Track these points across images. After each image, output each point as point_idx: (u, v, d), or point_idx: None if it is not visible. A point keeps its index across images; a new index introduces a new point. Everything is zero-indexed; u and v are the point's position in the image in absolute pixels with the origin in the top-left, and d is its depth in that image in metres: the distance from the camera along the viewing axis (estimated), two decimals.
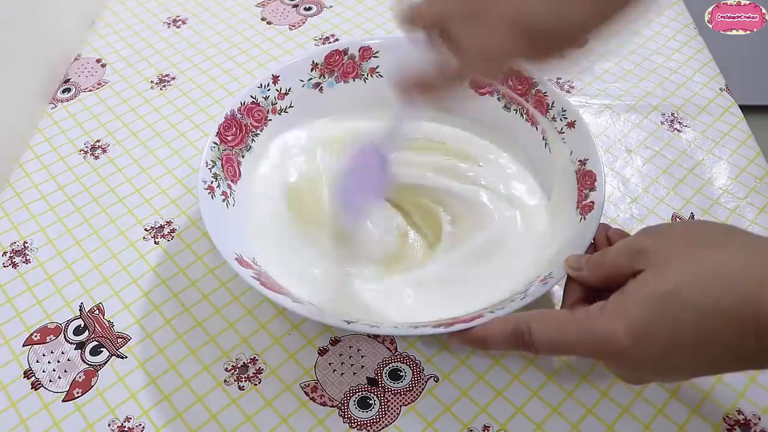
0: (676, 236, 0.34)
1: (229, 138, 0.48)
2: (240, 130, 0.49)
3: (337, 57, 0.53)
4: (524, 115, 0.51)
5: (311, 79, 0.53)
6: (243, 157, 0.49)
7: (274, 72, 0.51)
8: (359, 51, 0.54)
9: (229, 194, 0.46)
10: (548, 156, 0.49)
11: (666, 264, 0.32)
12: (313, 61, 0.53)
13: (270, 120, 0.52)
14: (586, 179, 0.45)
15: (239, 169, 0.49)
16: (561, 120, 0.48)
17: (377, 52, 0.54)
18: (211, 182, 0.45)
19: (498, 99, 0.53)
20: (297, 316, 0.45)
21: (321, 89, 0.54)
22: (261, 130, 0.51)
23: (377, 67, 0.54)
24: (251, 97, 0.50)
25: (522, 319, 0.36)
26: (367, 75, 0.54)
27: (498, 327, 0.37)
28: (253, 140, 0.50)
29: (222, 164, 0.47)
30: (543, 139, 0.50)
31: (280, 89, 0.52)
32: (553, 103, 0.49)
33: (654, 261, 0.33)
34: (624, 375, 0.35)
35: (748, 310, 0.29)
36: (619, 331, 0.32)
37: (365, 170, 0.44)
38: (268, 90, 0.51)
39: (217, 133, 0.47)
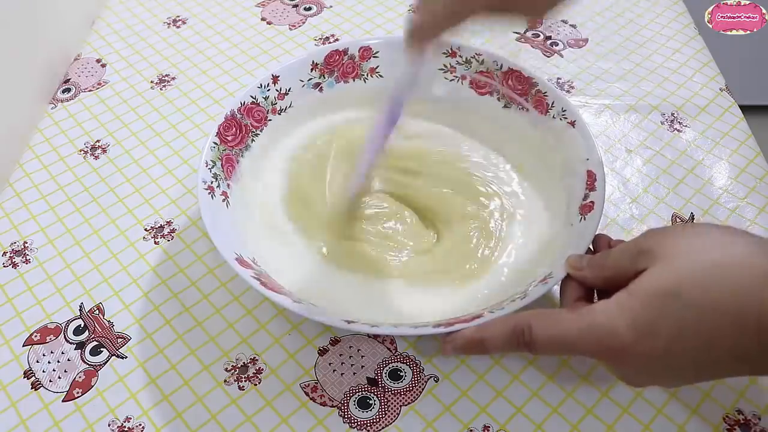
0: (679, 237, 0.34)
1: (229, 138, 0.48)
2: (240, 130, 0.49)
3: (337, 57, 0.53)
4: (524, 115, 0.51)
5: (311, 79, 0.53)
6: (243, 157, 0.49)
7: (274, 72, 0.51)
8: (359, 51, 0.54)
9: (229, 194, 0.46)
10: (549, 156, 0.49)
11: (669, 263, 0.32)
12: (312, 61, 0.53)
13: (270, 120, 0.52)
14: (587, 179, 0.45)
15: (239, 170, 0.49)
16: (561, 120, 0.48)
17: (377, 52, 0.54)
18: (211, 182, 0.45)
19: (498, 99, 0.53)
20: (297, 316, 0.45)
21: (321, 89, 0.54)
22: (261, 131, 0.51)
23: (377, 67, 0.54)
24: (251, 97, 0.50)
25: (521, 318, 0.35)
26: (367, 75, 0.54)
27: (497, 327, 0.36)
28: (252, 140, 0.50)
29: (222, 164, 0.47)
30: (544, 139, 0.50)
31: (280, 89, 0.52)
32: (553, 103, 0.49)
33: (657, 260, 0.33)
34: (625, 375, 0.35)
35: (750, 310, 0.29)
36: (621, 327, 0.32)
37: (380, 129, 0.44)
38: (268, 90, 0.51)
39: (217, 133, 0.47)
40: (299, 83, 0.53)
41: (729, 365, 0.31)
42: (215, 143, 0.47)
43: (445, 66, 0.54)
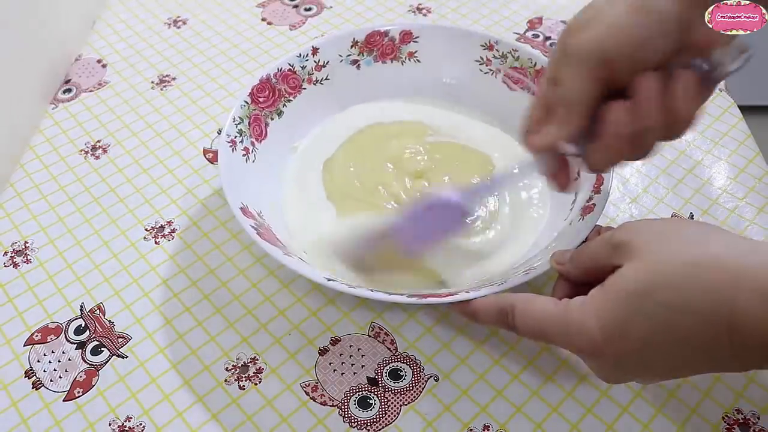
0: (654, 232, 0.34)
1: (261, 100, 0.50)
2: (273, 93, 0.51)
3: (378, 38, 0.55)
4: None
5: (350, 55, 0.55)
6: (273, 120, 0.51)
7: (314, 44, 0.53)
8: (399, 34, 0.55)
9: (251, 150, 0.48)
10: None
11: (642, 261, 0.32)
12: (354, 39, 0.54)
13: (304, 89, 0.53)
14: (594, 181, 0.45)
15: (266, 130, 0.50)
16: None
17: (417, 37, 0.55)
18: (235, 137, 0.47)
19: (531, 95, 0.53)
20: (298, 316, 0.45)
21: (358, 66, 0.55)
22: (294, 98, 0.53)
23: (416, 51, 0.55)
24: (289, 64, 0.52)
25: (507, 299, 0.37)
26: (405, 58, 0.56)
27: (486, 303, 0.38)
28: (284, 106, 0.52)
29: (249, 123, 0.49)
30: None
31: (318, 61, 0.53)
32: None
33: (631, 257, 0.33)
34: (600, 372, 0.35)
35: (721, 311, 0.29)
36: (592, 327, 0.32)
37: (437, 213, 0.44)
38: (306, 60, 0.53)
39: (250, 93, 0.49)
40: (338, 57, 0.54)
41: (702, 363, 0.32)
42: (246, 102, 0.49)
43: (481, 58, 0.55)
